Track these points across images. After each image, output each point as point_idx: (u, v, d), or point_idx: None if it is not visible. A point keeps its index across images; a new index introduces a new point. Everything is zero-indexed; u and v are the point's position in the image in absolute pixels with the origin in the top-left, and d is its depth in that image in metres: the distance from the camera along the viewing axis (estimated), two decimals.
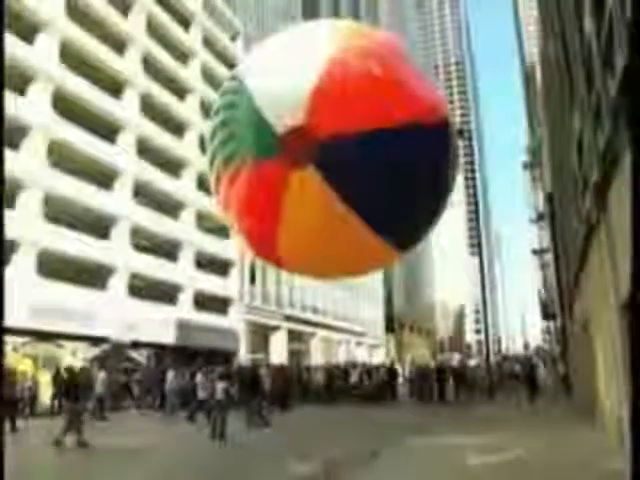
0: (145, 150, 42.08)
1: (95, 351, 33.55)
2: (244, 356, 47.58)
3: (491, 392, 27.48)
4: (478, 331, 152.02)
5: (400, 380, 31.08)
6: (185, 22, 49.46)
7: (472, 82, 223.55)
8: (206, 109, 49.50)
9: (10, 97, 28.98)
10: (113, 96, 39.63)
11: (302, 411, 23.54)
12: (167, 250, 43.77)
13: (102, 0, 39.18)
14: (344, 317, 71.52)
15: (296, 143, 5.74)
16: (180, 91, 47.67)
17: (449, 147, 6.44)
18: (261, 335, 54.03)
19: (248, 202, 6.26)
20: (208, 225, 47.68)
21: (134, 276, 38.85)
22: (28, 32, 32.75)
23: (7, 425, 16.89)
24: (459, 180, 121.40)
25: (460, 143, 7.06)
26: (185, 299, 44.16)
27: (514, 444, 13.13)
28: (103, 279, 36.80)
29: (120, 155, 39.21)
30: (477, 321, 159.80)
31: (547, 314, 48.25)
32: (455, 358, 60.27)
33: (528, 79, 60.98)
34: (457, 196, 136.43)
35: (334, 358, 60.81)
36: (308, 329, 62.14)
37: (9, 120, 28.31)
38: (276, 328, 55.76)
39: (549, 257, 44.77)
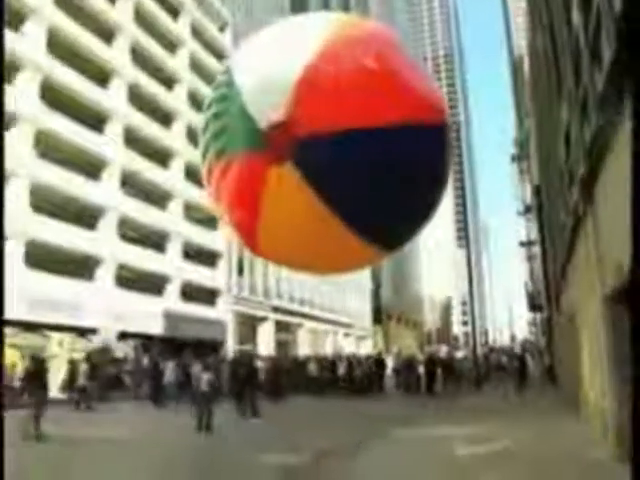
0: (133, 140, 41.87)
1: (82, 342, 33.43)
2: (232, 347, 47.59)
3: (478, 383, 27.65)
4: (465, 323, 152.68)
5: (388, 372, 31.13)
6: (174, 11, 49.16)
7: (460, 74, 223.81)
8: (194, 99, 49.32)
9: None
10: (101, 86, 39.42)
11: (291, 402, 23.57)
12: (155, 241, 43.64)
13: None
14: (331, 308, 71.65)
15: (277, 139, 5.69)
16: (168, 81, 47.45)
17: (443, 149, 6.36)
18: (249, 326, 54.05)
19: (235, 195, 6.25)
20: (196, 216, 47.57)
21: (122, 267, 38.73)
22: (15, 21, 32.48)
23: None
24: None
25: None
26: (173, 290, 44.08)
27: (500, 435, 13.26)
28: (90, 270, 36.68)
29: (108, 145, 39.01)
30: (464, 313, 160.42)
31: (534, 306, 48.52)
32: (442, 350, 60.53)
33: (516, 71, 61.12)
34: None
35: (321, 349, 60.98)
36: (295, 320, 62.23)
37: None
38: (264, 319, 55.79)
39: (536, 249, 45.03)
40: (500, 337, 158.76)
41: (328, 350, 60.82)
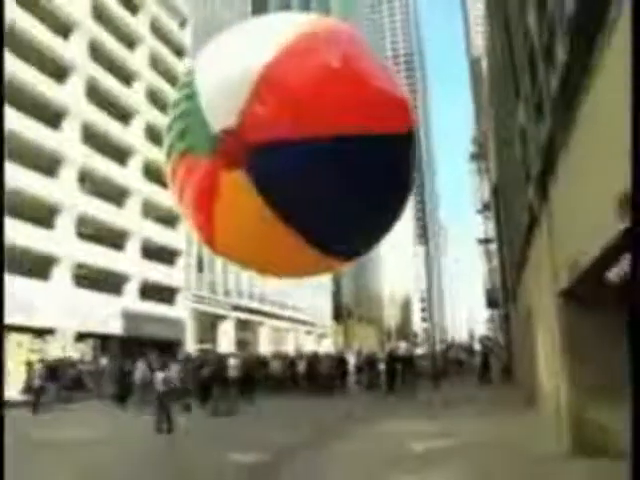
0: (91, 137, 41.35)
1: (39, 343, 32.95)
2: (192, 346, 47.33)
3: (436, 380, 27.94)
4: (425, 319, 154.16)
5: (350, 369, 31.28)
6: (132, 7, 48.59)
7: (421, 74, 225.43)
8: (153, 96, 48.91)
9: None
10: (58, 82, 38.81)
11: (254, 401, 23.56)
12: (113, 239, 43.16)
13: None
14: (292, 306, 71.70)
15: (229, 145, 5.61)
16: (127, 77, 46.91)
17: (405, 160, 6.24)
18: (209, 325, 53.81)
19: (194, 198, 6.21)
20: (155, 214, 47.21)
21: (79, 266, 38.24)
22: None
23: None
24: None
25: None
26: (131, 289, 43.67)
27: (457, 430, 13.48)
28: (47, 269, 36.13)
29: (65, 142, 38.46)
30: (424, 310, 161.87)
31: (491, 303, 49.27)
32: (401, 347, 60.99)
33: (475, 71, 61.84)
34: None
35: (282, 347, 60.95)
36: (256, 318, 62.11)
37: None
38: (224, 317, 55.58)
39: (494, 247, 45.67)
40: (459, 333, 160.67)
41: (289, 348, 60.81)
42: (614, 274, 5.47)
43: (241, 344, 55.92)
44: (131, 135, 46.11)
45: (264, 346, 59.61)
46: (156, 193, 47.06)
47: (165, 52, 52.30)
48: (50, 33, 38.32)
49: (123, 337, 40.61)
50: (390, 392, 24.91)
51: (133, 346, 38.91)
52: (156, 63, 50.60)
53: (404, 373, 26.61)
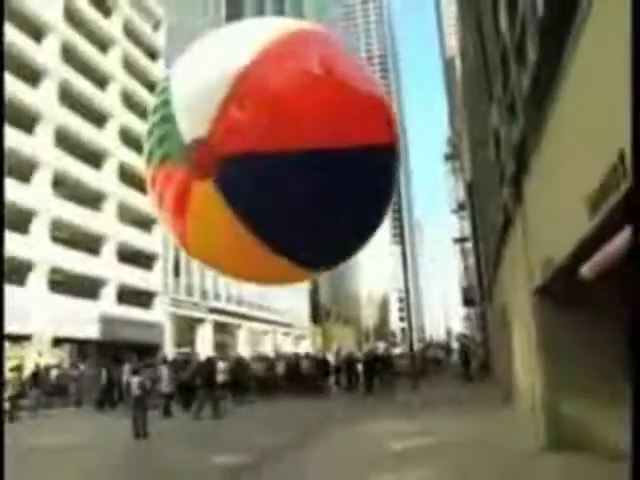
0: (64, 141, 41.01)
1: (15, 349, 32.58)
2: (170, 349, 47.10)
3: (415, 380, 28.04)
4: (403, 319, 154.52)
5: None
6: (105, 10, 48.25)
7: (395, 75, 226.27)
8: (127, 99, 48.63)
9: None
10: (30, 85, 38.43)
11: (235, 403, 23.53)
12: (89, 243, 42.82)
13: None
14: (270, 308, 71.59)
15: (199, 155, 5.56)
16: (101, 80, 46.54)
17: (384, 174, 6.14)
18: (187, 328, 53.57)
19: (172, 205, 6.17)
20: (131, 217, 46.95)
21: (55, 271, 37.90)
22: None
23: None
24: None
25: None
26: (108, 293, 43.37)
27: (435, 429, 13.59)
28: (22, 274, 35.76)
29: (38, 146, 38.09)
30: (401, 309, 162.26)
31: (468, 301, 49.65)
32: (380, 347, 61.21)
33: (448, 72, 62.25)
34: None
35: (261, 349, 60.83)
36: (234, 321, 61.95)
37: None
38: (201, 320, 55.37)
39: (470, 246, 46.01)
40: (437, 332, 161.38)
41: (267, 350, 60.70)
42: (587, 271, 5.57)
43: (219, 347, 55.69)
44: (106, 138, 45.77)
45: (242, 348, 59.43)
46: (132, 197, 46.80)
47: (139, 54, 52.02)
48: (23, 37, 37.94)
49: (100, 342, 40.31)
50: (369, 392, 24.98)
51: (111, 350, 38.66)
52: (130, 65, 50.29)
53: (382, 373, 26.70)
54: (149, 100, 50.45)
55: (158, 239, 48.76)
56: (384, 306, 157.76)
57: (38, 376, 25.35)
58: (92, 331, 40.00)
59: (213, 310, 56.85)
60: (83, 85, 44.01)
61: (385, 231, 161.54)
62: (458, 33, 37.64)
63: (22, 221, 36.30)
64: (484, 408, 17.48)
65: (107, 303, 42.82)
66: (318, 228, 5.77)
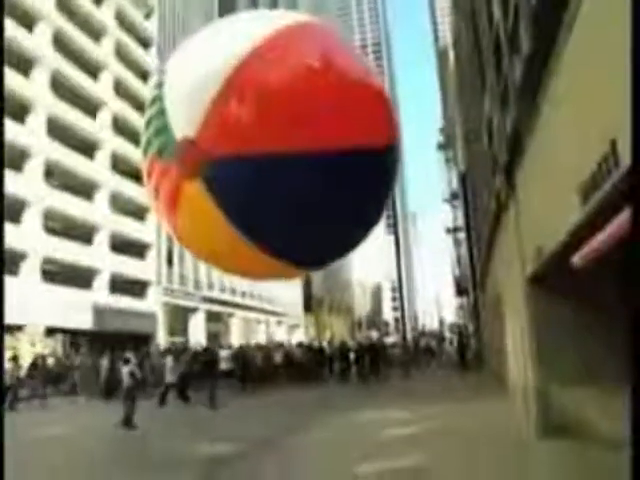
0: (57, 130, 40.82)
1: (9, 339, 32.52)
2: (162, 339, 47.14)
3: (408, 368, 28.13)
4: (396, 308, 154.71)
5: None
6: None
7: (389, 64, 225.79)
8: (120, 88, 48.42)
9: None
10: (22, 74, 38.20)
11: (227, 391, 23.56)
12: (81, 233, 42.72)
13: None
14: (263, 298, 71.65)
15: (188, 154, 5.49)
16: (93, 69, 46.30)
17: (383, 177, 6.05)
18: (180, 317, 53.57)
19: (165, 198, 6.13)
20: (124, 207, 46.86)
21: (47, 260, 37.81)
22: None
23: None
24: None
25: None
26: (101, 283, 43.32)
27: (428, 417, 13.66)
28: (15, 264, 35.65)
29: (30, 135, 37.91)
30: (394, 299, 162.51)
31: (460, 291, 49.76)
32: (372, 336, 61.37)
33: (442, 61, 62.15)
34: None
35: (254, 339, 60.88)
36: (227, 310, 61.98)
37: None
38: (194, 310, 55.38)
39: (462, 235, 46.09)
40: (429, 321, 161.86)
41: (260, 339, 60.74)
42: (579, 259, 5.61)
43: (212, 336, 55.73)
44: (98, 128, 45.57)
45: (235, 338, 59.48)
46: (124, 186, 46.69)
47: (131, 43, 51.72)
48: (14, 25, 37.66)
49: (93, 332, 40.29)
50: (362, 381, 25.05)
51: (104, 340, 38.67)
52: (122, 54, 50.04)
53: (376, 362, 26.75)
54: (141, 89, 50.35)
55: (151, 229, 48.67)
56: (377, 296, 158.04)
57: (37, 366, 25.30)
58: (85, 321, 39.96)
59: (206, 299, 56.85)
60: (75, 74, 43.76)
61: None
62: (451, 22, 37.57)
63: (14, 211, 36.16)
64: (477, 397, 17.56)
65: (100, 293, 42.77)
66: (308, 230, 5.71)
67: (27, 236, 36.00)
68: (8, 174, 35.11)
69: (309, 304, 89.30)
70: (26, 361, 25.49)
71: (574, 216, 5.96)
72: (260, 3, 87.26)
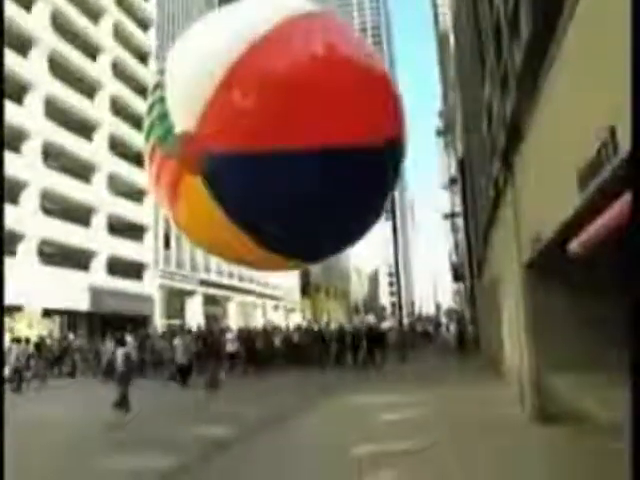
0: (54, 111, 40.62)
1: (7, 320, 32.55)
2: (159, 321, 47.23)
3: (404, 353, 28.21)
4: (393, 293, 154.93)
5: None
6: None
7: (388, 48, 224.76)
8: (118, 69, 48.17)
9: None
10: (20, 54, 37.94)
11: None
12: (79, 214, 42.63)
13: None
14: (260, 281, 71.69)
15: (188, 148, 5.44)
16: (91, 50, 45.98)
17: (382, 175, 5.98)
18: (177, 300, 53.63)
19: (166, 186, 6.11)
20: (121, 189, 46.77)
21: (44, 242, 37.77)
22: None
23: None
24: None
25: None
26: (98, 264, 43.30)
27: (425, 400, 13.75)
28: (12, 246, 35.61)
29: (28, 116, 37.73)
30: (391, 284, 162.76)
31: (457, 276, 49.87)
32: (369, 320, 61.58)
33: (442, 46, 61.92)
34: None
35: (251, 322, 60.97)
36: (224, 293, 62.01)
37: None
38: (192, 293, 55.41)
39: (460, 221, 46.13)
40: (426, 306, 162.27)
41: (258, 323, 60.84)
42: (576, 246, 5.62)
43: (209, 319, 55.79)
44: (96, 109, 45.36)
45: (233, 321, 59.57)
46: (122, 168, 46.59)
47: (130, 24, 51.32)
48: (12, 4, 37.37)
49: (90, 313, 40.35)
50: (359, 365, 25.12)
51: (101, 322, 38.78)
52: (121, 35, 49.65)
53: (372, 346, 26.78)
54: (140, 70, 50.07)
55: (149, 211, 48.61)
56: (374, 280, 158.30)
57: (41, 347, 25.37)
58: (82, 302, 40.01)
59: (203, 282, 56.87)
60: (73, 55, 43.48)
61: None
62: (452, 6, 37.38)
63: (12, 192, 36.07)
64: (472, 380, 17.67)
65: (97, 275, 42.77)
66: (305, 226, 5.69)
67: (24, 217, 35.93)
68: (6, 155, 35.02)
69: (306, 289, 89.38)
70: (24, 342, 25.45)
71: (572, 203, 5.97)
72: None
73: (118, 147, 46.53)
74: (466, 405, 12.94)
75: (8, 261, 33.93)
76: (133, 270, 47.65)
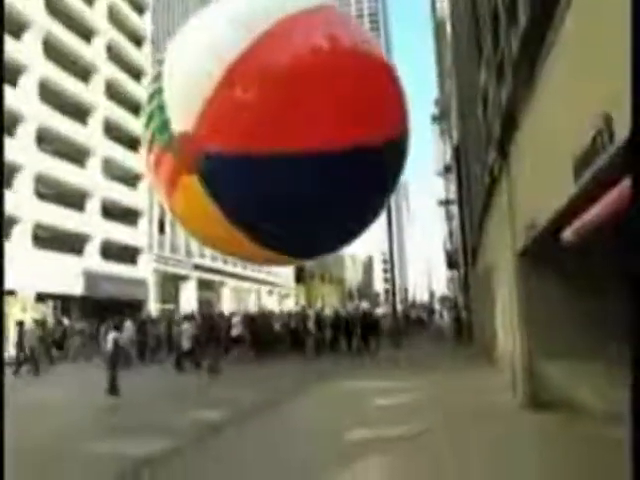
0: (49, 95, 40.41)
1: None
2: (153, 306, 47.28)
3: (398, 339, 28.27)
4: (387, 280, 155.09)
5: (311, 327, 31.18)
6: None
7: (385, 35, 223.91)
8: (113, 53, 47.90)
9: None
10: (14, 37, 37.65)
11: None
12: (73, 199, 42.53)
13: None
14: (254, 267, 71.70)
15: (185, 147, 5.39)
16: (86, 33, 45.67)
17: (382, 176, 5.92)
18: (171, 285, 53.66)
19: (163, 181, 6.08)
20: (116, 173, 46.64)
21: (39, 226, 37.68)
22: None
23: None
24: None
25: None
26: (93, 249, 43.27)
27: (418, 386, 13.83)
28: (6, 230, 35.49)
29: (22, 99, 37.50)
30: (385, 271, 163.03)
31: (451, 264, 49.91)
32: (363, 306, 61.66)
33: (439, 33, 61.66)
34: None
35: (244, 307, 61.04)
36: (218, 278, 62.04)
37: None
38: (186, 278, 55.45)
39: (455, 209, 46.14)
40: (420, 293, 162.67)
41: (251, 308, 60.90)
42: (570, 234, 5.64)
43: (203, 304, 55.84)
44: (91, 93, 45.14)
45: (227, 306, 59.62)
46: (117, 152, 46.45)
47: (125, 7, 51.02)
48: None
49: (84, 297, 40.34)
50: (353, 351, 25.17)
51: (94, 307, 38.78)
52: (116, 19, 49.38)
53: (367, 332, 26.80)
54: (135, 55, 49.80)
55: (143, 195, 48.52)
56: (368, 267, 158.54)
57: (44, 330, 25.35)
58: (76, 287, 40.01)
59: (198, 267, 56.89)
60: (68, 38, 43.20)
61: None
62: None
63: (6, 176, 35.92)
64: (465, 368, 17.76)
65: (91, 259, 42.75)
66: (301, 226, 5.68)
67: (19, 201, 35.80)
68: None
69: (301, 275, 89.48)
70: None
71: (567, 191, 5.98)
72: None
73: (113, 131, 46.39)
74: (458, 391, 13.02)
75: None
76: (127, 255, 47.65)
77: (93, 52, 46.07)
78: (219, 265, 61.91)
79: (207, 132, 5.34)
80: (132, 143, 47.71)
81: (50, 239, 39.77)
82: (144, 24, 53.39)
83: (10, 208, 34.75)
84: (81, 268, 40.87)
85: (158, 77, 6.05)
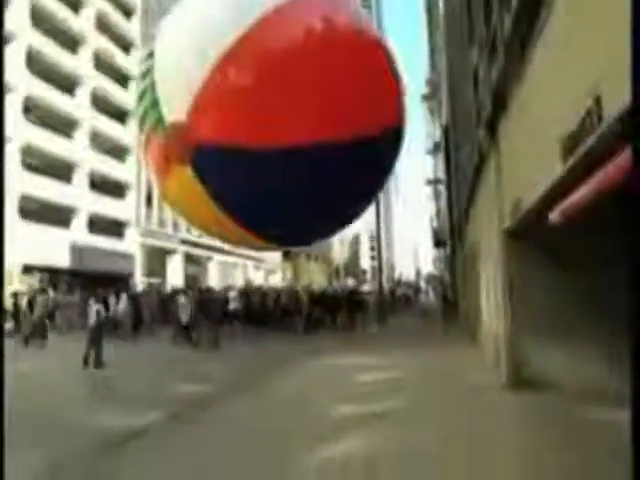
0: (36, 65, 39.93)
1: None
2: (140, 279, 47.22)
3: (383, 316, 28.45)
4: (374, 258, 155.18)
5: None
6: None
7: (377, 15, 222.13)
8: (102, 23, 47.33)
9: None
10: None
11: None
12: (60, 171, 42.21)
13: None
14: None
15: (179, 138, 5.35)
16: (74, 3, 45.04)
17: (379, 163, 5.86)
18: (157, 259, 53.53)
19: (156, 164, 6.05)
20: (104, 145, 46.29)
21: (25, 198, 37.39)
22: None
23: None
24: None
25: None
26: (79, 222, 43.05)
27: (401, 363, 13.96)
28: None
29: (9, 70, 36.98)
30: (373, 248, 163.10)
31: (438, 242, 50.13)
32: (349, 284, 61.87)
33: (431, 13, 61.27)
34: None
35: (231, 281, 61.01)
36: (205, 253, 61.91)
37: None
38: (173, 252, 55.33)
39: (442, 188, 46.23)
40: (407, 272, 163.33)
41: (238, 282, 60.89)
42: (557, 215, 5.68)
43: (190, 278, 55.80)
44: (79, 63, 44.62)
45: (214, 281, 59.57)
46: (105, 124, 46.06)
47: None
48: None
49: (71, 270, 40.21)
50: (338, 328, 25.26)
51: (81, 279, 38.66)
52: None
53: (353, 310, 26.92)
54: (124, 25, 49.21)
55: (131, 168, 48.24)
56: (355, 245, 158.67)
57: (33, 304, 25.26)
58: (63, 259, 39.87)
59: (184, 242, 56.72)
60: (56, 7, 42.60)
61: None
62: None
63: None
64: (449, 345, 17.91)
65: (78, 232, 42.56)
66: (294, 219, 5.70)
67: (4, 172, 35.43)
68: None
69: (288, 252, 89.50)
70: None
71: (555, 171, 6.01)
72: None
73: (101, 103, 45.94)
74: (442, 369, 13.15)
75: None
76: (114, 228, 47.44)
77: (82, 22, 45.46)
78: (206, 240, 61.72)
79: (200, 124, 5.32)
80: (120, 115, 47.28)
81: (37, 211, 39.50)
82: None
83: None
84: (68, 241, 40.69)
85: (148, 72, 5.99)
